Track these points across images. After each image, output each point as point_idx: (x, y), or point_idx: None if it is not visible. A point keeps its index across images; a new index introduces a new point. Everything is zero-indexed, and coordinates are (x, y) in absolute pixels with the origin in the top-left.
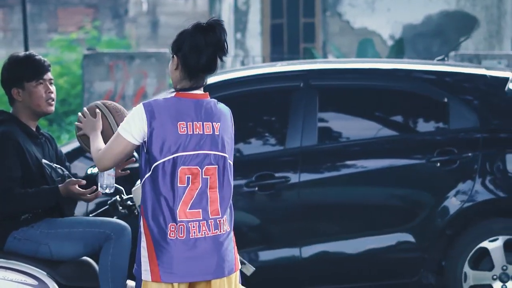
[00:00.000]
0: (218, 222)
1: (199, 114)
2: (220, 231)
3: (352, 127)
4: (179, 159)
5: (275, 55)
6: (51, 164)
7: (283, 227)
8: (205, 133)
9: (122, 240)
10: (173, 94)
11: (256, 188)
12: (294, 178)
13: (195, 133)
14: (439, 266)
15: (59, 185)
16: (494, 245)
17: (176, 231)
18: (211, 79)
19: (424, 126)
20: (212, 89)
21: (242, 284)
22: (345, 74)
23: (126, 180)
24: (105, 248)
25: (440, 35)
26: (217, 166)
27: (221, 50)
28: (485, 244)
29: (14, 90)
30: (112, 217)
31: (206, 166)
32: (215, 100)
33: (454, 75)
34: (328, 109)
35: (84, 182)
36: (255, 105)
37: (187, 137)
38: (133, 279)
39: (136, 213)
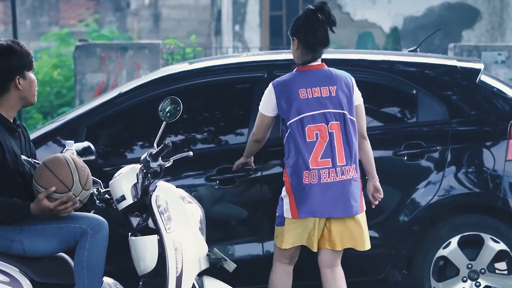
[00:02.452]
0: (344, 169)
1: (317, 80)
2: (346, 177)
3: None
4: (305, 119)
5: (274, 46)
6: (30, 160)
7: (245, 222)
8: (323, 96)
9: (99, 235)
10: (294, 70)
11: (217, 182)
12: (256, 171)
13: (314, 96)
14: (406, 263)
15: (31, 203)
16: (449, 250)
17: (310, 177)
18: (178, 68)
19: (391, 119)
20: (176, 79)
21: (222, 280)
22: None
23: (105, 174)
24: (81, 243)
25: (442, 27)
26: (339, 122)
27: (332, 25)
28: (441, 252)
29: (18, 79)
30: (89, 211)
31: (330, 122)
32: (331, 69)
33: (424, 66)
34: None
35: (54, 189)
36: (219, 95)
37: (308, 100)
38: (109, 275)
39: (114, 207)
